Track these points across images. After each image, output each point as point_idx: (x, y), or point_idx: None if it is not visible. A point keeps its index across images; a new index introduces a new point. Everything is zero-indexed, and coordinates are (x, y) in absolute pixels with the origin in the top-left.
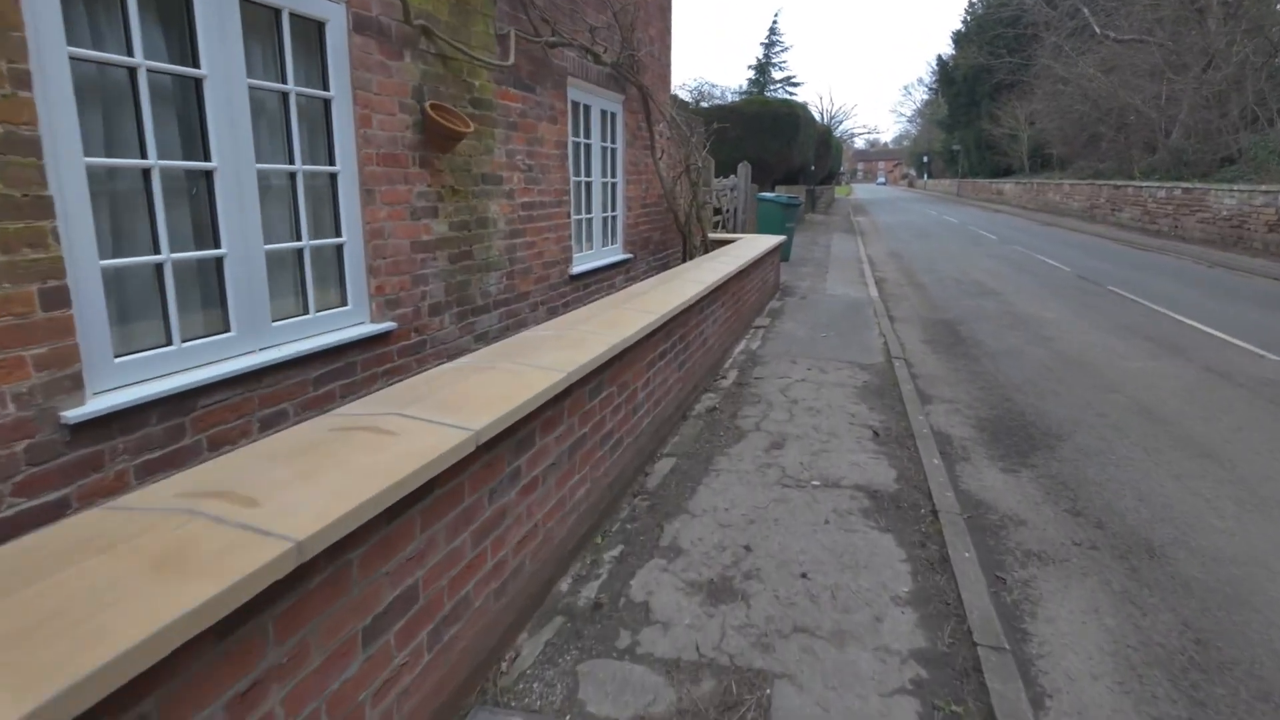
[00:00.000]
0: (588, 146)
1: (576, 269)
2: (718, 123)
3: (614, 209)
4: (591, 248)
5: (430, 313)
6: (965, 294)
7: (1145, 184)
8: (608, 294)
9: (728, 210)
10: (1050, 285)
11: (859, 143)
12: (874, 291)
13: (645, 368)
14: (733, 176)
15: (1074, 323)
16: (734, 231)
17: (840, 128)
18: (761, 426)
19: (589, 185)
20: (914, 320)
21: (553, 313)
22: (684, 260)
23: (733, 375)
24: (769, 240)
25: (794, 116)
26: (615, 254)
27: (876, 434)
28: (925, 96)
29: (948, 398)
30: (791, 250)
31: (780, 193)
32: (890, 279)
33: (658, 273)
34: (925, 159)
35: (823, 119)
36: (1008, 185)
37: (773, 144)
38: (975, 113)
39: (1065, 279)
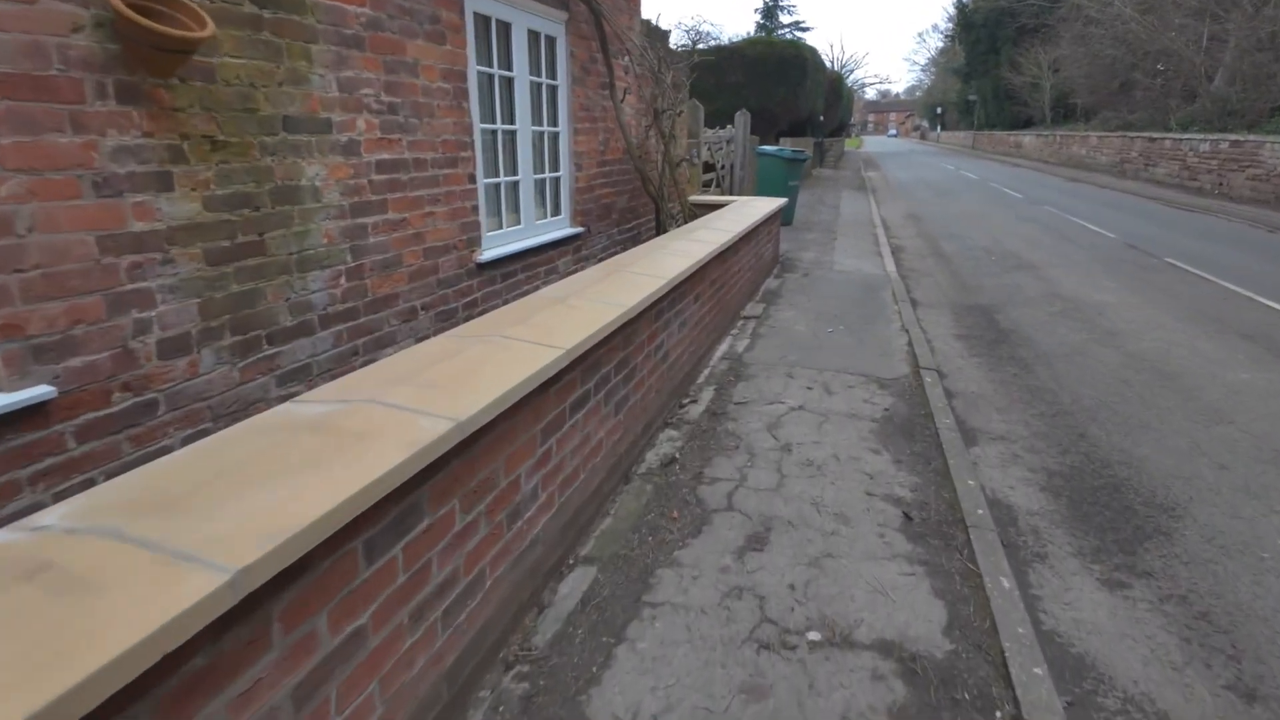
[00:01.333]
0: (508, 82)
1: (489, 254)
2: (718, 67)
3: (557, 168)
4: (519, 222)
5: (159, 356)
6: (999, 268)
7: (1186, 136)
8: (545, 282)
9: (722, 167)
10: (1097, 256)
11: (870, 93)
12: (891, 265)
13: (537, 438)
14: (729, 127)
15: (1138, 309)
16: (728, 193)
17: (851, 77)
18: (735, 501)
19: (513, 136)
20: (941, 305)
21: (446, 321)
22: (658, 233)
23: (706, 397)
24: (766, 205)
25: (801, 60)
26: (558, 228)
27: (908, 517)
28: (941, 44)
29: (1000, 432)
30: (795, 212)
31: (784, 146)
32: (909, 248)
33: (624, 248)
34: (939, 110)
35: (833, 67)
36: (1027, 138)
37: (777, 91)
38: (994, 60)
39: (1112, 248)
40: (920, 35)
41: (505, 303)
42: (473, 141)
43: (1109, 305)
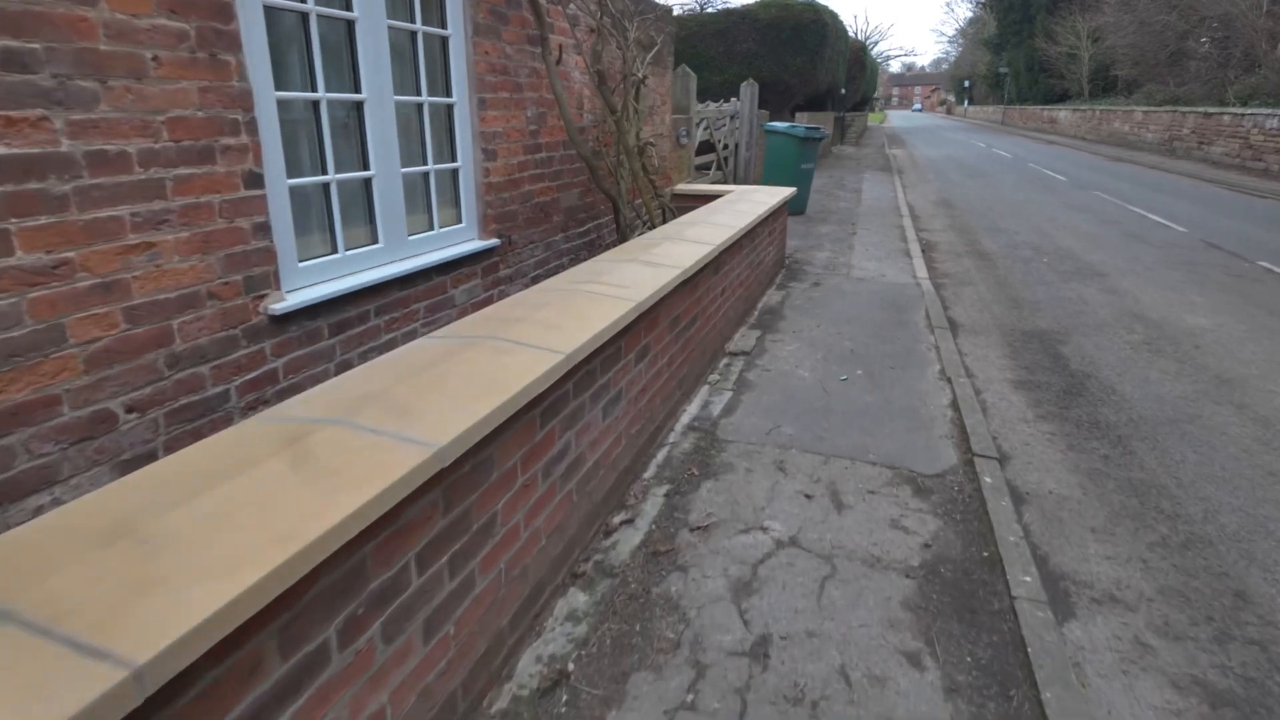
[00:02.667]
0: (346, 27)
1: (299, 297)
2: (726, 33)
3: (452, 157)
4: (375, 240)
5: None
6: (1054, 273)
7: (1249, 111)
8: (427, 326)
9: (725, 146)
10: (1172, 258)
11: (894, 66)
12: (921, 269)
13: None
14: (734, 100)
15: (1250, 339)
16: (731, 178)
17: (875, 49)
18: None
19: (359, 110)
20: (989, 330)
21: (196, 421)
22: (620, 240)
23: (650, 511)
24: (768, 197)
25: (820, 25)
26: (452, 244)
27: None
28: (970, 13)
29: (1107, 586)
30: (809, 199)
31: (797, 122)
32: (942, 244)
33: (575, 260)
34: (967, 84)
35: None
36: (1063, 112)
37: (794, 60)
38: (1028, 30)
39: (1187, 247)
40: (949, 4)
41: (336, 370)
42: (253, 120)
43: (1207, 332)
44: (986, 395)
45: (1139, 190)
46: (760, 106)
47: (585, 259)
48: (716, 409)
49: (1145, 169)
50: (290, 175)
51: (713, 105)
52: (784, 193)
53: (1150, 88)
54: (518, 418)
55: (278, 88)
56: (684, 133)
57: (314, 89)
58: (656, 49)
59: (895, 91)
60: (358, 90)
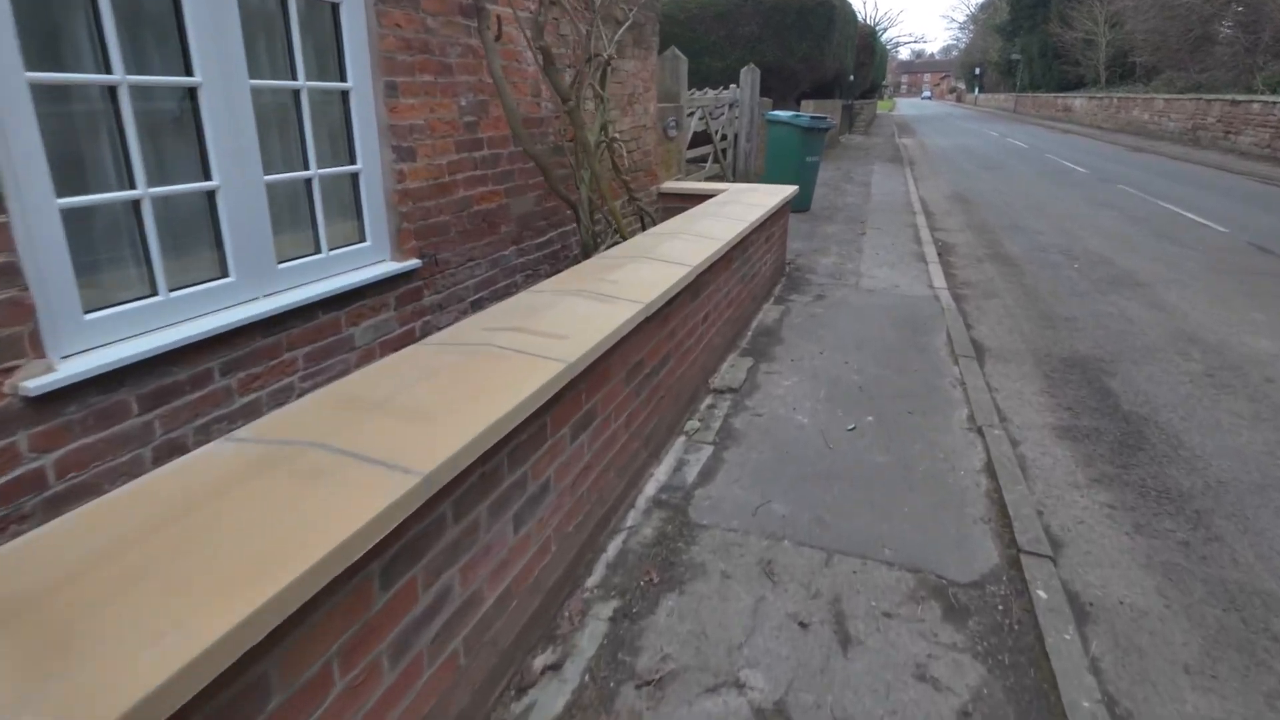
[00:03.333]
0: None
1: (83, 365)
2: (729, 16)
3: (350, 158)
4: (225, 273)
5: None
6: (1088, 282)
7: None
8: (309, 382)
9: (724, 137)
10: (1218, 264)
11: (903, 53)
12: (939, 278)
13: None
14: (734, 87)
15: None
16: (730, 173)
17: (884, 35)
18: None
19: (191, 99)
20: (1021, 356)
21: None
22: (583, 257)
23: (587, 644)
24: (766, 199)
25: (828, 8)
26: (354, 270)
27: None
28: None
29: None
30: (814, 193)
31: (801, 111)
32: (960, 246)
33: (531, 280)
34: (978, 71)
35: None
36: (1078, 100)
37: (800, 45)
38: (1043, 15)
39: (1235, 250)
40: None
41: (153, 456)
42: None
43: (1278, 360)
44: (1026, 448)
45: (1167, 183)
46: (764, 94)
47: (547, 274)
48: (692, 473)
49: (1169, 160)
50: (67, 192)
51: (711, 92)
52: (784, 192)
53: (1170, 74)
54: (333, 589)
55: (38, 66)
56: (672, 123)
57: (106, 68)
58: (629, 24)
59: (904, 79)
60: (189, 72)
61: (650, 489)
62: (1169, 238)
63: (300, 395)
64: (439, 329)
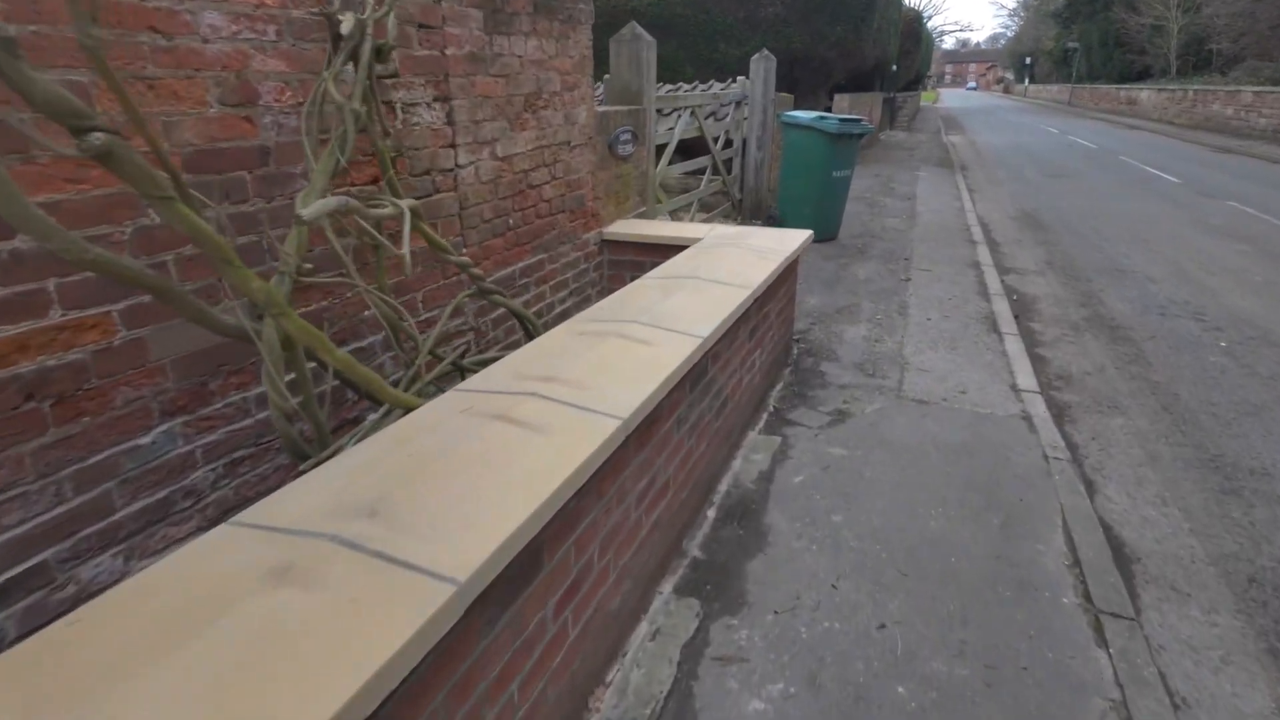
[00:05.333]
0: None
1: None
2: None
3: None
4: None
5: None
6: (1258, 380)
7: None
8: None
9: (729, 144)
10: None
11: (947, 42)
12: (1023, 370)
13: None
14: (741, 80)
15: None
16: (737, 188)
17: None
18: None
19: None
20: (1202, 583)
21: None
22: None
23: None
24: (755, 269)
25: None
26: None
27: None
28: None
29: None
30: (844, 213)
31: (830, 113)
32: (1043, 301)
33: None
34: (1028, 60)
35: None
36: (1144, 92)
37: (832, 29)
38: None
39: None
40: None
41: None
42: None
43: None
44: None
45: None
46: (790, 86)
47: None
48: None
49: (1272, 165)
50: None
51: (717, 86)
52: (791, 244)
53: (1253, 64)
54: None
55: None
56: (624, 137)
57: None
58: None
59: (948, 69)
60: None
61: None
62: None
63: None
64: None
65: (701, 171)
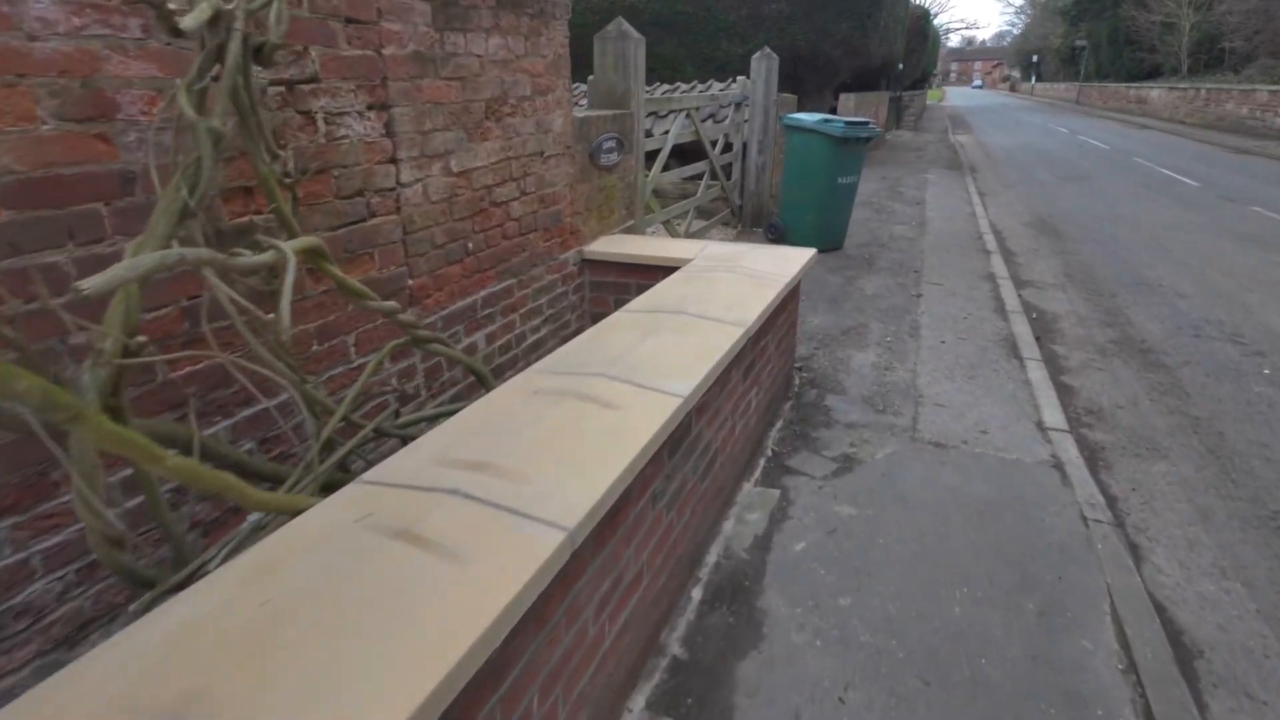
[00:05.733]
0: None
1: None
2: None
3: None
4: None
5: None
6: None
7: None
8: None
9: (729, 148)
10: None
11: (953, 40)
12: (1049, 405)
13: None
14: (742, 80)
15: None
16: (737, 194)
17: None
18: None
19: None
20: None
21: None
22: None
23: None
24: (753, 296)
25: None
26: None
27: None
28: None
29: None
30: (850, 221)
31: (839, 110)
32: (1065, 320)
33: None
34: (1035, 58)
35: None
36: (1155, 91)
37: (838, 26)
38: None
39: None
40: None
41: None
42: None
43: None
44: None
45: None
46: (794, 86)
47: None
48: None
49: None
50: None
51: (716, 87)
52: (793, 267)
53: (1266, 62)
54: None
55: None
56: (608, 145)
57: None
58: None
59: (954, 67)
60: None
61: None
62: None
63: None
64: None
65: (699, 177)
